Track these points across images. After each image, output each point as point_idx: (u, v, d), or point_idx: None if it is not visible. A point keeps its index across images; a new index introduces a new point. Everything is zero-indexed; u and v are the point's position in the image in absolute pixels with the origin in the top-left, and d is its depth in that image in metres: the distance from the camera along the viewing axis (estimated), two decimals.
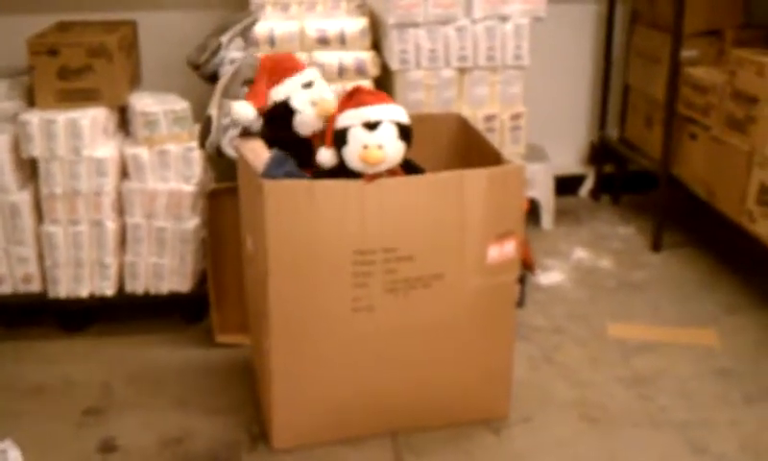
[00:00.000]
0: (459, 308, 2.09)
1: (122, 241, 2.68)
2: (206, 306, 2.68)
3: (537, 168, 3.40)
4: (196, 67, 2.11)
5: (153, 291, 2.71)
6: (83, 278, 2.66)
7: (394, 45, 2.66)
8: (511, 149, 2.78)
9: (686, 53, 3.17)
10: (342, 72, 2.68)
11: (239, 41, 2.16)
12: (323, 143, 2.02)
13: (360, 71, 2.69)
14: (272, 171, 1.92)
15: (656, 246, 3.30)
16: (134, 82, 2.85)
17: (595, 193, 3.84)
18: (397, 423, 2.17)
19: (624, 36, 3.65)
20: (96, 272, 2.66)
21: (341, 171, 2.00)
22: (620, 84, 3.70)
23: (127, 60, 2.73)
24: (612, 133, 3.75)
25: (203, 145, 1.95)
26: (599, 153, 3.79)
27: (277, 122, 2.04)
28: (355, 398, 2.12)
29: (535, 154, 3.36)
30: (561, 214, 3.59)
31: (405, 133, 2.01)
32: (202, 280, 2.72)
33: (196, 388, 2.43)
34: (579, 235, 3.47)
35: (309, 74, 2.10)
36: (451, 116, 2.51)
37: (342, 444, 2.15)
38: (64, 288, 2.66)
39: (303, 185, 1.94)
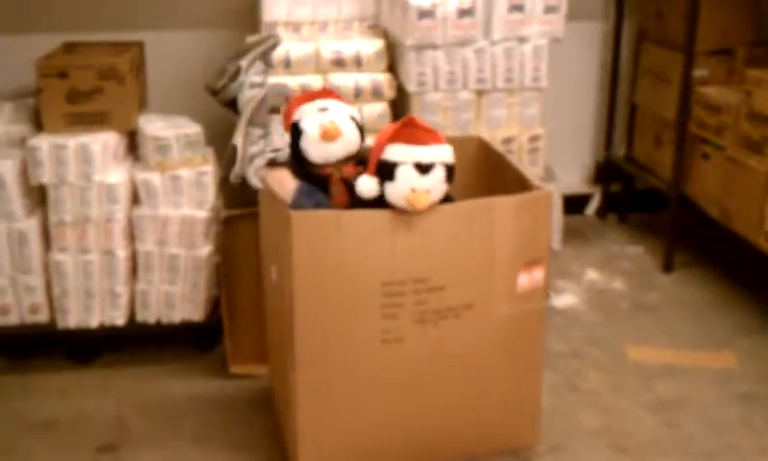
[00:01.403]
0: (488, 337, 2.05)
1: (133, 269, 2.61)
2: (219, 335, 2.61)
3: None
4: (214, 93, 2.05)
5: (164, 320, 2.64)
6: (92, 307, 2.59)
7: (411, 67, 2.62)
8: (529, 171, 2.73)
9: (697, 72, 3.15)
10: (358, 94, 2.63)
11: (259, 65, 2.11)
12: (341, 185, 1.97)
13: (376, 93, 2.65)
14: (300, 201, 1.87)
15: (667, 266, 3.28)
16: (143, 104, 2.79)
17: (601, 212, 3.82)
18: (425, 454, 2.12)
19: (631, 55, 3.63)
20: (107, 301, 2.59)
21: (376, 202, 1.95)
22: (627, 103, 3.68)
23: (136, 81, 2.67)
24: (619, 151, 3.74)
25: (227, 176, 1.89)
26: (605, 172, 3.77)
27: (291, 151, 2.00)
28: (382, 430, 2.06)
29: (543, 173, 3.33)
30: (568, 234, 3.55)
31: (451, 174, 1.97)
32: (214, 308, 2.65)
33: (212, 422, 2.36)
34: (589, 256, 3.44)
35: (330, 103, 2.06)
36: (472, 139, 2.47)
37: None
38: (74, 318, 2.59)
39: (331, 216, 1.89)
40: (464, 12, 2.59)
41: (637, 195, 3.74)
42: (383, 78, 2.67)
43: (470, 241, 1.99)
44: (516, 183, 2.18)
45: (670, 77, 3.26)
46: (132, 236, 2.59)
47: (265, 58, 2.13)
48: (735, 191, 2.97)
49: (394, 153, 1.93)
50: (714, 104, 3.09)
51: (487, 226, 1.99)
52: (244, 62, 2.08)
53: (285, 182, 1.93)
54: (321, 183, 1.99)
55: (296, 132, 2.01)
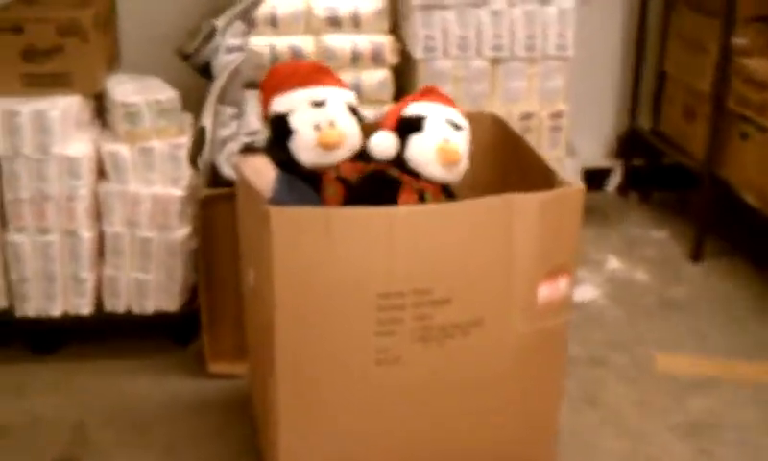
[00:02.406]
0: (502, 359, 1.75)
1: (100, 253, 2.32)
2: (197, 328, 2.33)
3: (566, 164, 3.05)
4: (185, 57, 1.74)
5: (136, 310, 2.35)
6: (54, 294, 2.30)
7: (418, 30, 2.28)
8: (549, 152, 2.43)
9: (737, 40, 2.81)
10: (356, 59, 2.30)
11: (239, 26, 1.78)
12: (337, 184, 1.66)
13: (377, 58, 2.32)
14: (281, 195, 1.57)
15: (696, 255, 2.98)
16: (112, 64, 2.46)
17: (623, 189, 3.51)
18: None
19: (660, 17, 3.28)
20: (70, 288, 2.30)
21: (377, 198, 1.65)
22: (654, 71, 3.34)
23: (103, 38, 2.34)
24: (644, 123, 3.41)
25: (194, 163, 1.59)
26: (628, 144, 3.45)
27: (272, 141, 1.67)
28: (376, 458, 1.79)
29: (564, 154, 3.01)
30: (587, 213, 3.17)
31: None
32: (191, 298, 2.36)
33: (187, 431, 2.09)
34: (610, 240, 3.13)
35: (327, 93, 1.70)
36: (485, 117, 2.14)
37: None
38: (33, 306, 2.30)
39: (319, 214, 1.58)
40: None
41: (662, 171, 3.42)
42: (384, 41, 2.33)
43: (483, 246, 1.68)
44: (538, 174, 1.87)
45: (705, 45, 2.92)
46: (98, 216, 2.29)
47: (246, 17, 1.81)
48: None
49: (420, 108, 1.70)
50: (757, 78, 2.75)
51: (503, 228, 1.68)
52: (220, 22, 1.76)
53: (264, 172, 1.62)
54: (311, 180, 1.67)
55: (282, 127, 1.67)
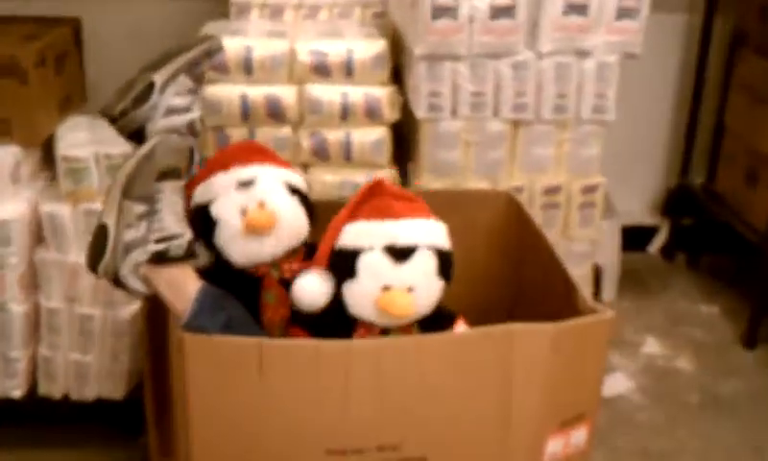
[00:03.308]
0: None
1: (34, 330, 1.97)
2: (145, 417, 1.97)
3: (602, 226, 2.62)
4: (112, 120, 1.38)
5: (74, 396, 2.00)
6: None
7: (420, 84, 1.87)
8: (578, 233, 2.00)
9: None
10: (346, 114, 1.90)
11: (184, 81, 1.41)
12: (280, 290, 1.27)
13: (372, 114, 1.91)
14: (201, 319, 1.19)
15: (750, 340, 2.54)
16: (70, 105, 2.10)
17: (668, 250, 3.07)
18: None
19: (722, 61, 2.83)
20: None
21: (330, 315, 1.26)
22: (712, 122, 2.90)
23: (54, 78, 1.99)
24: (696, 179, 2.97)
25: (93, 269, 1.22)
26: (677, 202, 3.01)
27: (193, 242, 1.29)
28: None
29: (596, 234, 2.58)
30: (625, 278, 2.79)
31: (446, 265, 1.31)
32: (139, 385, 2.00)
33: None
34: (650, 314, 2.70)
35: (256, 171, 1.34)
36: (500, 196, 1.75)
37: None
38: None
39: (250, 346, 1.19)
40: (499, 12, 1.82)
41: (714, 230, 2.96)
42: (382, 93, 1.92)
43: (473, 391, 1.28)
44: (557, 277, 1.46)
45: None
46: (32, 287, 1.94)
47: (193, 71, 1.43)
48: None
49: (354, 234, 1.26)
50: None
51: (501, 367, 1.27)
52: (158, 77, 1.39)
53: (183, 286, 1.25)
54: (250, 287, 1.29)
55: (205, 221, 1.30)
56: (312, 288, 1.23)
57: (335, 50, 1.90)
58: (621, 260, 2.76)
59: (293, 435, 1.23)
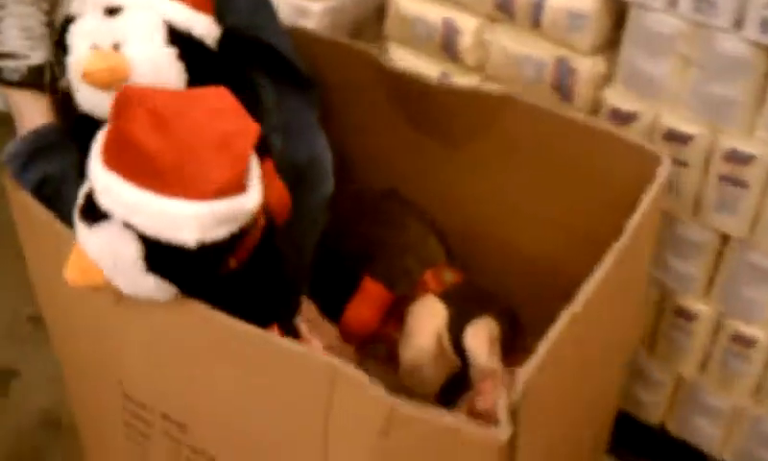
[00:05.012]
0: None
1: None
2: None
3: None
4: None
5: None
6: None
7: None
8: None
9: None
10: None
11: None
12: None
13: None
14: (19, 166, 0.99)
15: None
16: None
17: None
18: None
19: None
20: None
21: None
22: None
23: None
24: None
25: None
26: None
27: (52, 63, 1.02)
28: None
29: None
30: None
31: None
32: None
33: None
34: None
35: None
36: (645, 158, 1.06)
37: None
38: None
39: (62, 234, 0.93)
40: None
41: None
42: None
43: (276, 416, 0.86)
44: None
45: None
46: None
47: None
48: None
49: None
50: None
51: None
52: None
53: (20, 117, 1.02)
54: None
55: (62, 39, 1.01)
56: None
57: None
58: None
59: (95, 358, 1.02)
